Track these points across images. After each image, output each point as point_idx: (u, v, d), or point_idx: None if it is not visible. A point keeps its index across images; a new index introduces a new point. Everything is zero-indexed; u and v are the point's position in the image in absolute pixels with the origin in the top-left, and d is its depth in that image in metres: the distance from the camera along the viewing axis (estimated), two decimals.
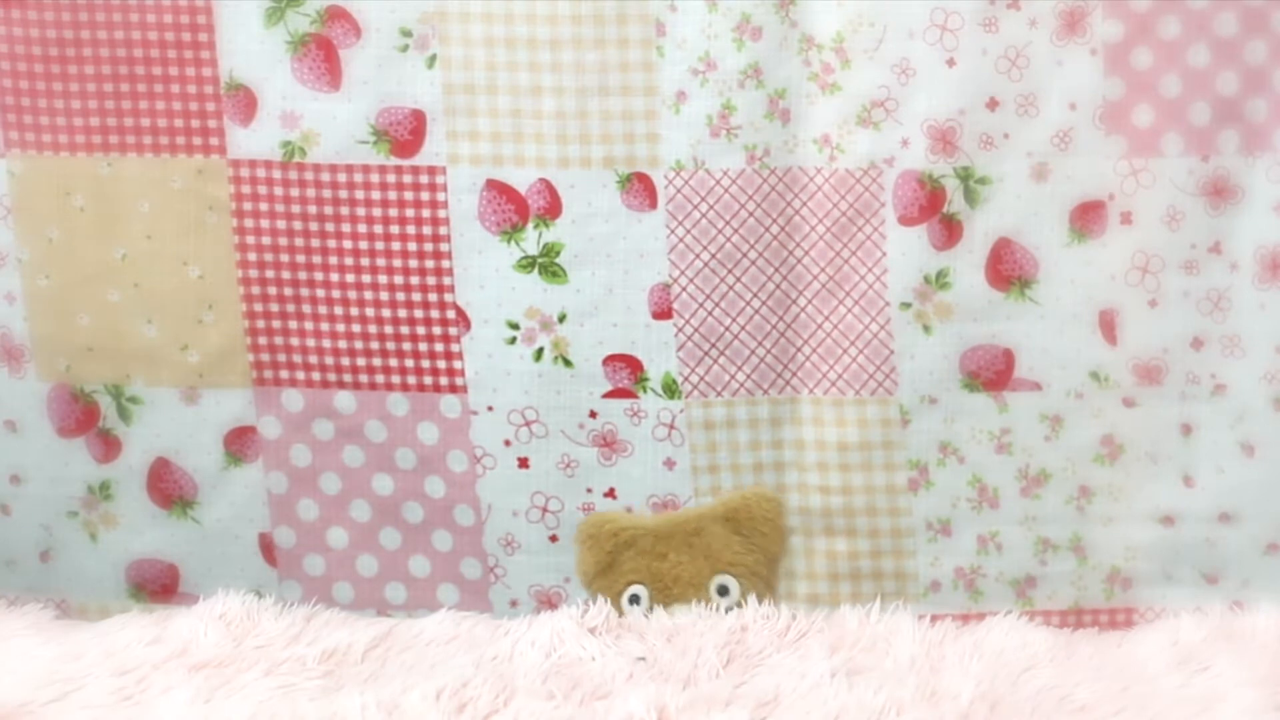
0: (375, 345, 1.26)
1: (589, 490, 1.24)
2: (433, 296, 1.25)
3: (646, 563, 0.98)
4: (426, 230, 1.24)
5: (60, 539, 1.31)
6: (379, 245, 1.25)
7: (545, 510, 1.26)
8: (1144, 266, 1.22)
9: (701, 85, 1.21)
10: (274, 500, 1.30)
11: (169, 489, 1.30)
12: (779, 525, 1.01)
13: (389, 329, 1.26)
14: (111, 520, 1.31)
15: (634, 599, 0.97)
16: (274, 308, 1.26)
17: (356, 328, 1.26)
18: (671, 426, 1.24)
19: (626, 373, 1.25)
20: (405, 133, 1.23)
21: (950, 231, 1.23)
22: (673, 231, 1.23)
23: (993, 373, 1.25)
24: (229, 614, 0.94)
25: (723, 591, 0.98)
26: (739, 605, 0.97)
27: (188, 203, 1.25)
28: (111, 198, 1.25)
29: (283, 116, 1.23)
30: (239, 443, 1.29)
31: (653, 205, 1.22)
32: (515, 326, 1.25)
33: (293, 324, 1.27)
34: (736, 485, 1.18)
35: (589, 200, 1.23)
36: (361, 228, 1.25)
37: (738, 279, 1.24)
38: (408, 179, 1.24)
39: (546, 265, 1.24)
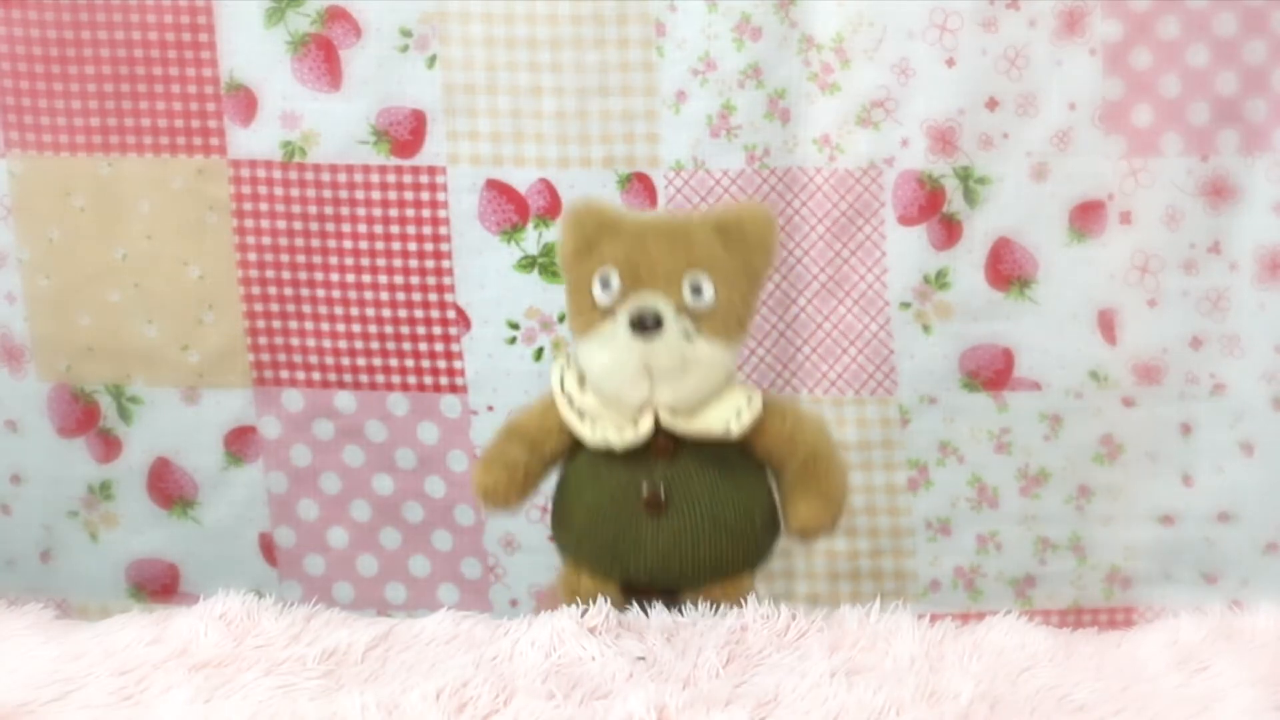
0: (375, 345, 1.27)
1: None
2: (433, 296, 1.25)
3: (625, 250, 0.95)
4: (426, 230, 1.25)
5: (60, 539, 1.32)
6: (379, 245, 1.25)
7: (545, 510, 1.26)
8: (1143, 266, 1.22)
9: (701, 85, 1.21)
10: (274, 500, 1.30)
11: (169, 489, 1.30)
12: (767, 239, 0.98)
13: (389, 329, 1.26)
14: (112, 520, 1.31)
15: (605, 282, 0.95)
16: (274, 308, 1.27)
17: (356, 328, 1.26)
18: None
19: None
20: (405, 133, 1.23)
21: (950, 231, 1.23)
22: None
23: (992, 372, 1.25)
24: (229, 614, 0.94)
25: (696, 290, 0.95)
26: (710, 311, 0.94)
27: (188, 203, 1.25)
28: (112, 198, 1.26)
29: (283, 116, 1.23)
30: (239, 443, 1.29)
31: (653, 205, 1.22)
32: (515, 326, 1.26)
33: (293, 324, 1.27)
34: None
35: None
36: (361, 228, 1.25)
37: None
38: (408, 179, 1.24)
39: (546, 265, 1.25)
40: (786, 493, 0.98)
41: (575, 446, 0.99)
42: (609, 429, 0.95)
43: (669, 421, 0.94)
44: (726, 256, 0.96)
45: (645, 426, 0.94)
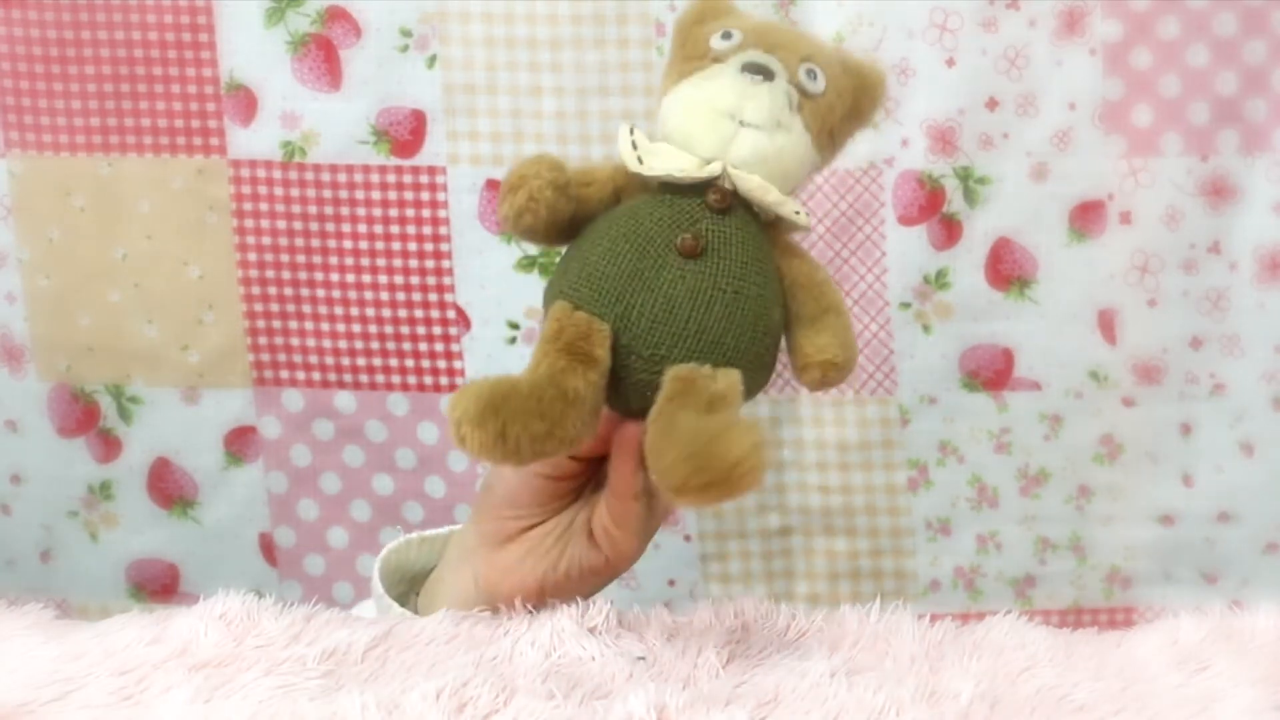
0: (375, 345, 1.27)
1: None
2: (433, 296, 1.25)
3: (754, 24, 0.89)
4: (426, 230, 1.25)
5: (60, 539, 1.32)
6: (379, 245, 1.25)
7: None
8: (1143, 266, 1.22)
9: None
10: (274, 500, 1.30)
11: (169, 489, 1.31)
12: (878, 92, 0.92)
13: (389, 329, 1.26)
14: (112, 520, 1.31)
15: (727, 34, 0.91)
16: (274, 308, 1.27)
17: (356, 328, 1.26)
18: None
19: None
20: (405, 133, 1.23)
21: (950, 231, 1.23)
22: None
23: (992, 372, 1.25)
24: (229, 614, 0.94)
25: (812, 75, 0.91)
26: (816, 100, 0.90)
27: (188, 203, 1.25)
28: (112, 198, 1.26)
29: (283, 116, 1.23)
30: (239, 443, 1.29)
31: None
32: (515, 326, 1.26)
33: (293, 324, 1.27)
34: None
35: None
36: (361, 228, 1.25)
37: None
38: (408, 179, 1.24)
39: (547, 265, 1.25)
40: (802, 329, 0.91)
41: (612, 203, 0.91)
42: (670, 165, 0.88)
43: (739, 178, 0.87)
44: (844, 77, 0.91)
45: (713, 168, 0.87)
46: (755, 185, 0.87)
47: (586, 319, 0.87)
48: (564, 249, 0.91)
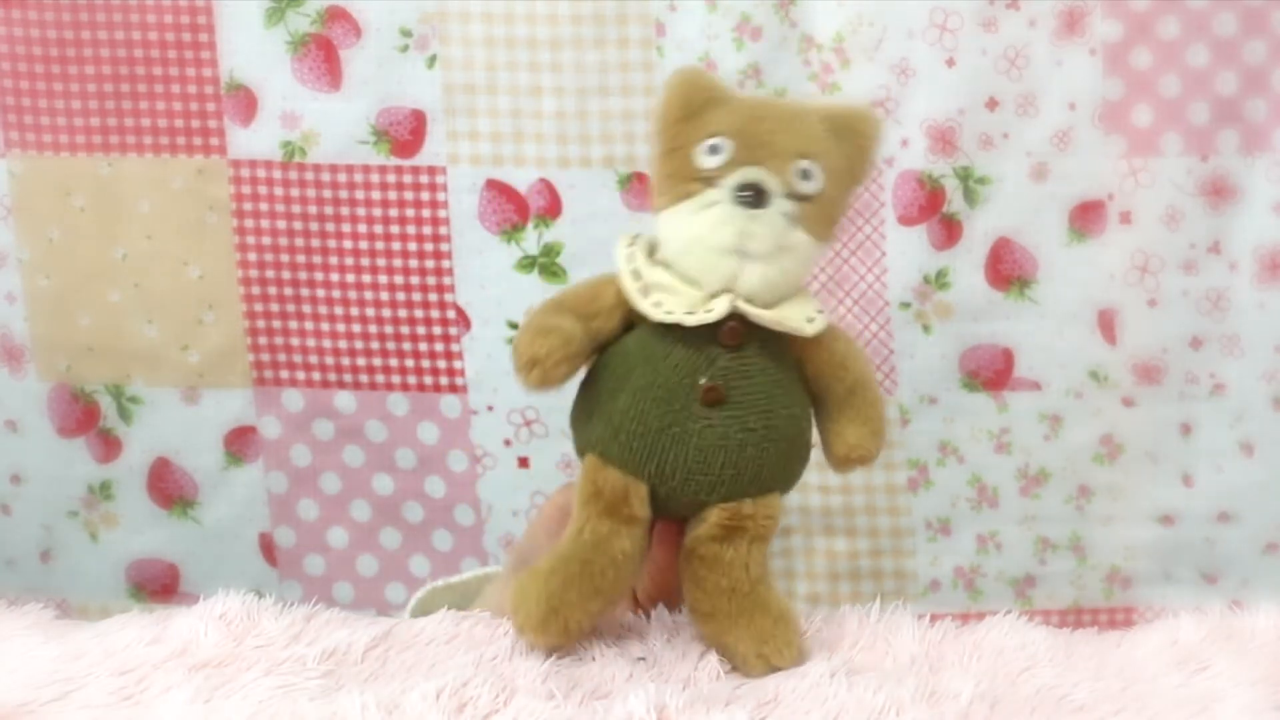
0: (375, 345, 1.27)
1: None
2: (433, 296, 1.25)
3: (739, 121, 0.88)
4: (426, 230, 1.25)
5: (60, 539, 1.32)
6: (379, 245, 1.25)
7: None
8: (1143, 266, 1.22)
9: None
10: (274, 500, 1.30)
11: (169, 489, 1.31)
12: (874, 146, 0.90)
13: (389, 329, 1.26)
14: (112, 520, 1.31)
15: (714, 149, 0.90)
16: (274, 308, 1.27)
17: (356, 328, 1.26)
18: None
19: None
20: (405, 133, 1.23)
21: (950, 231, 1.23)
22: None
23: (992, 372, 1.25)
24: (229, 614, 0.94)
25: (806, 176, 0.90)
26: (814, 200, 0.89)
27: (188, 203, 1.25)
28: (112, 198, 1.26)
29: (283, 116, 1.23)
30: (239, 443, 1.29)
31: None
32: (515, 326, 1.26)
33: (293, 324, 1.27)
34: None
35: (589, 200, 1.23)
36: (361, 228, 1.25)
37: None
38: (408, 179, 1.24)
39: (547, 265, 1.25)
40: (831, 417, 0.93)
41: (621, 331, 0.91)
42: (677, 307, 0.88)
43: (748, 308, 0.87)
44: (837, 152, 0.90)
45: (720, 307, 0.87)
46: (768, 319, 0.88)
47: (622, 479, 0.88)
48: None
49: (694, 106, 0.91)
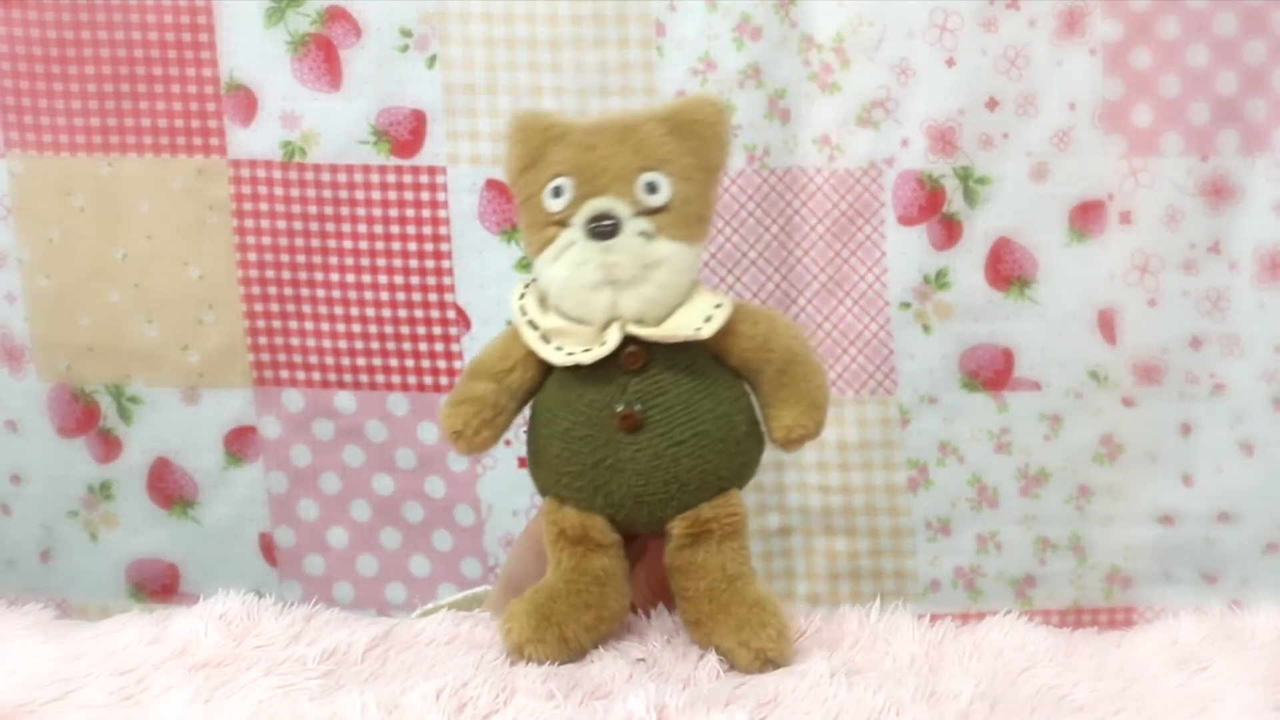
0: (375, 345, 1.27)
1: None
2: (433, 296, 1.25)
3: (574, 154, 0.90)
4: (426, 230, 1.25)
5: (60, 539, 1.32)
6: (379, 245, 1.25)
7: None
8: (1143, 266, 1.22)
9: (701, 85, 1.21)
10: (274, 500, 1.30)
11: (169, 489, 1.31)
12: (719, 131, 0.93)
13: (389, 329, 1.26)
14: (112, 520, 1.31)
15: (557, 191, 0.92)
16: (274, 308, 1.27)
17: (356, 328, 1.26)
18: None
19: None
20: (405, 133, 1.23)
21: (950, 231, 1.23)
22: None
23: (992, 372, 1.25)
24: (229, 614, 0.94)
25: (652, 189, 0.91)
26: (667, 209, 0.91)
27: (188, 203, 1.26)
28: (112, 198, 1.26)
29: (283, 116, 1.23)
30: (239, 443, 1.29)
31: None
32: None
33: (293, 324, 1.27)
34: None
35: None
36: (361, 228, 1.25)
37: (738, 279, 1.24)
38: (408, 179, 1.24)
39: None
40: (767, 400, 0.94)
41: (543, 376, 0.94)
42: (575, 347, 0.91)
43: (637, 330, 0.90)
44: (680, 151, 0.93)
45: (613, 339, 0.90)
46: (659, 335, 0.91)
47: (578, 515, 0.92)
48: None
49: (533, 153, 0.94)
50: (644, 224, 0.90)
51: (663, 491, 0.91)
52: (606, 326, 0.90)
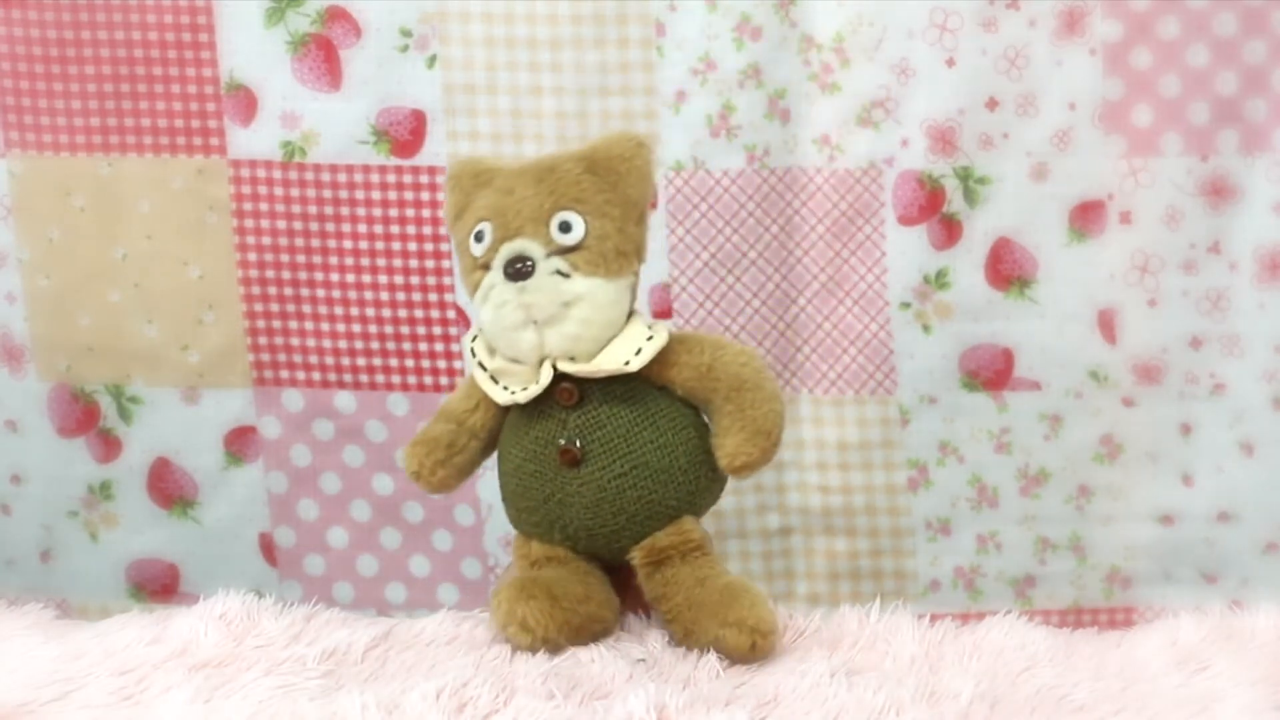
0: (375, 345, 1.27)
1: None
2: (433, 296, 1.25)
3: (495, 199, 0.94)
4: (426, 230, 1.25)
5: (60, 539, 1.32)
6: (379, 245, 1.25)
7: None
8: (1143, 266, 1.22)
9: (701, 85, 1.21)
10: (274, 500, 1.30)
11: (169, 489, 1.30)
12: (638, 166, 0.96)
13: (389, 329, 1.26)
14: (112, 520, 1.31)
15: (479, 235, 0.94)
16: (274, 308, 1.27)
17: (356, 328, 1.26)
18: None
19: None
20: (405, 133, 1.23)
21: (950, 231, 1.23)
22: (673, 231, 1.23)
23: (992, 372, 1.25)
24: (229, 614, 0.94)
25: (565, 228, 0.94)
26: (582, 247, 0.93)
27: (188, 203, 1.25)
28: (112, 198, 1.26)
29: (283, 116, 1.23)
30: (239, 443, 1.29)
31: (652, 205, 1.22)
32: None
33: (293, 324, 1.27)
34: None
35: None
36: (361, 228, 1.25)
37: (738, 279, 1.24)
38: (408, 179, 1.24)
39: None
40: (715, 428, 0.96)
41: (504, 416, 0.98)
42: (515, 386, 0.94)
43: (567, 367, 0.93)
44: (595, 189, 0.95)
45: (545, 377, 0.93)
46: (587, 370, 0.94)
47: (542, 548, 0.96)
48: None
49: (464, 199, 0.97)
50: (559, 263, 0.93)
51: (611, 523, 0.95)
52: (540, 364, 0.93)
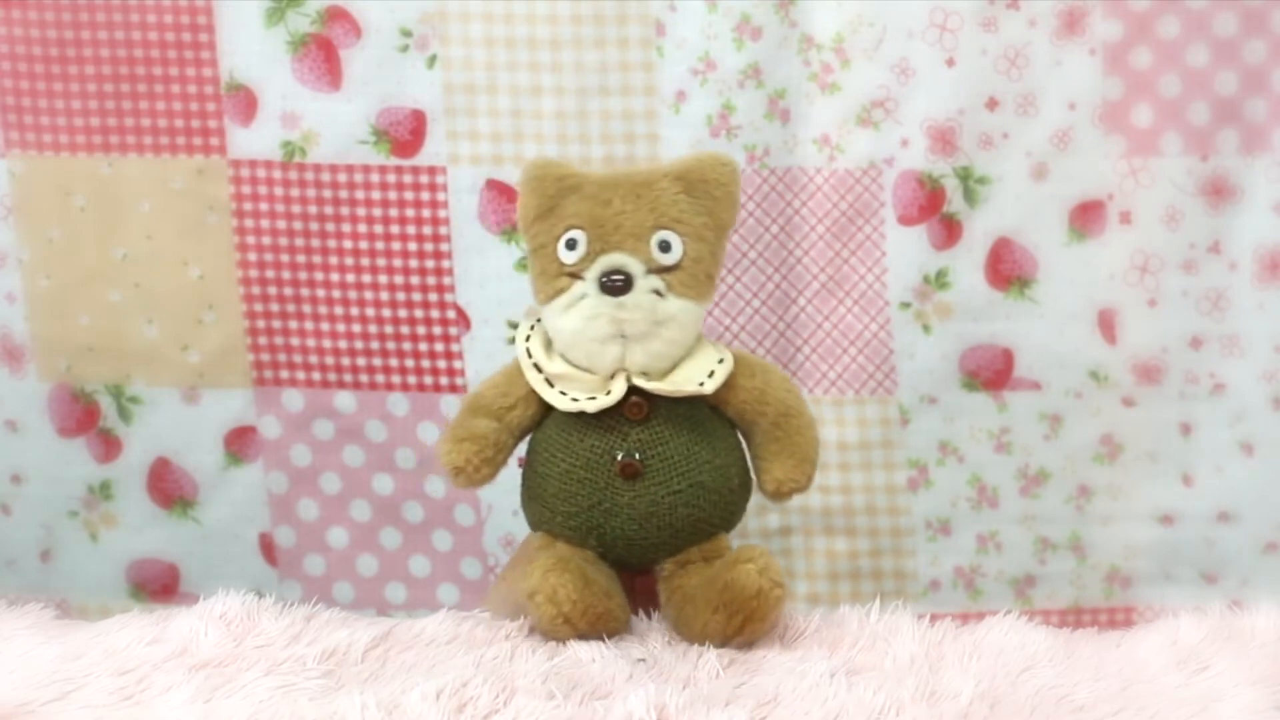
0: (375, 345, 1.27)
1: None
2: (433, 296, 1.25)
3: (589, 208, 0.94)
4: (426, 230, 1.25)
5: (60, 539, 1.32)
6: (379, 245, 1.25)
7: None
8: (1143, 266, 1.22)
9: (701, 85, 1.21)
10: (274, 500, 1.30)
11: (169, 489, 1.30)
12: (732, 190, 0.96)
13: (389, 329, 1.26)
14: (112, 520, 1.31)
15: (571, 243, 0.94)
16: (274, 308, 1.27)
17: (356, 328, 1.26)
18: None
19: None
20: (405, 133, 1.23)
21: (950, 231, 1.23)
22: None
23: (992, 372, 1.25)
24: (229, 614, 0.94)
25: (665, 248, 0.94)
26: (679, 268, 0.93)
27: (188, 203, 1.25)
28: (112, 198, 1.26)
29: (283, 116, 1.23)
30: (239, 443, 1.29)
31: None
32: (515, 326, 1.25)
33: (293, 324, 1.27)
34: None
35: None
36: (361, 228, 1.25)
37: (738, 279, 1.24)
38: (408, 179, 1.24)
39: None
40: (759, 452, 0.97)
41: (542, 415, 0.97)
42: (581, 394, 0.94)
43: (642, 383, 0.93)
44: (693, 211, 0.95)
45: (618, 389, 0.93)
46: (664, 389, 0.94)
47: (568, 549, 0.96)
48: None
49: (548, 203, 0.96)
50: (656, 281, 0.93)
51: (655, 537, 0.95)
52: (612, 376, 0.93)
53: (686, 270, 0.94)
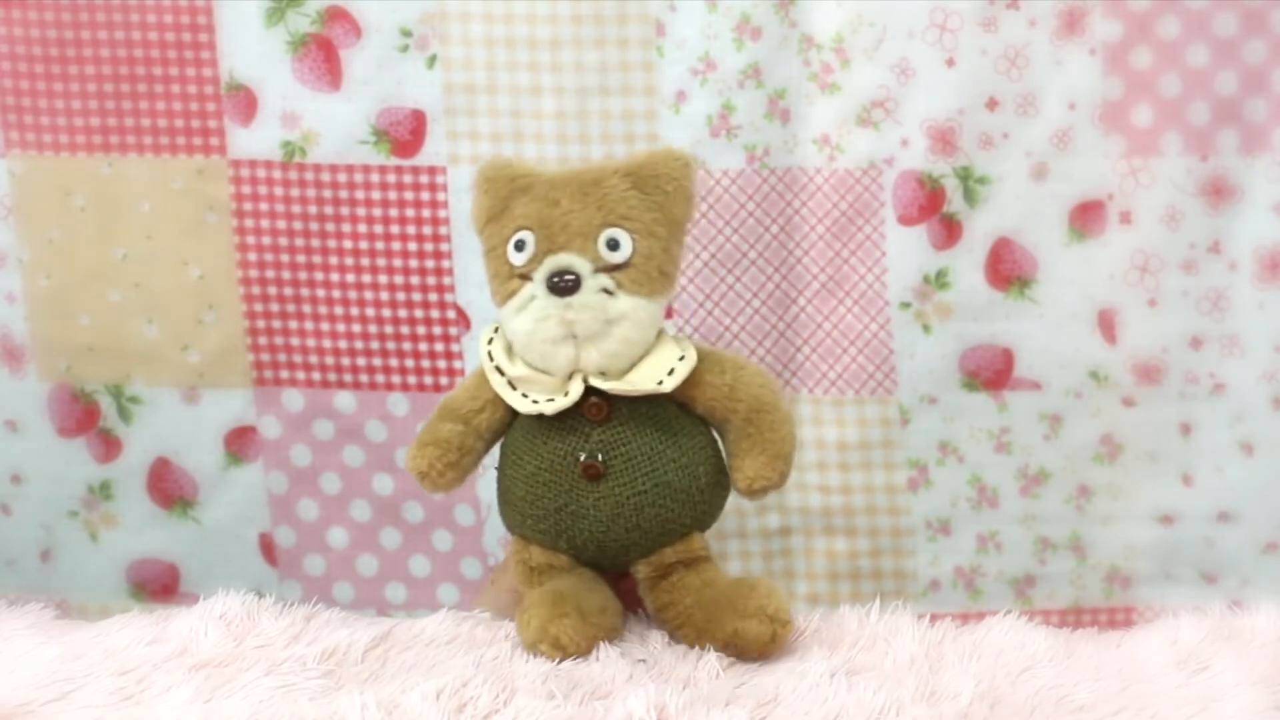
0: (375, 345, 1.27)
1: None
2: (433, 296, 1.25)
3: (538, 208, 0.93)
4: (426, 230, 1.25)
5: (60, 539, 1.32)
6: (379, 245, 1.25)
7: None
8: (1143, 266, 1.22)
9: (701, 85, 1.21)
10: (274, 500, 1.30)
11: (169, 489, 1.31)
12: (684, 185, 0.95)
13: (389, 329, 1.26)
14: (111, 520, 1.31)
15: (520, 244, 0.93)
16: (274, 308, 1.27)
17: (356, 328, 1.26)
18: None
19: None
20: (405, 133, 1.23)
21: (950, 231, 1.23)
22: None
23: (992, 372, 1.25)
24: (229, 614, 0.94)
25: (613, 245, 0.93)
26: (629, 265, 0.92)
27: (188, 203, 1.25)
28: (112, 198, 1.26)
29: (283, 116, 1.23)
30: (239, 443, 1.29)
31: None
32: None
33: (293, 324, 1.27)
34: None
35: None
36: (361, 228, 1.25)
37: (738, 279, 1.24)
38: (408, 179, 1.24)
39: None
40: (732, 449, 0.96)
41: (511, 418, 0.97)
42: (540, 396, 0.93)
43: (599, 383, 0.93)
44: (643, 207, 0.94)
45: (575, 391, 0.93)
46: (621, 388, 0.93)
47: (543, 553, 0.96)
48: None
49: (500, 204, 0.96)
50: (605, 280, 0.92)
51: (624, 538, 0.95)
52: (570, 377, 0.93)
53: (637, 268, 0.93)
